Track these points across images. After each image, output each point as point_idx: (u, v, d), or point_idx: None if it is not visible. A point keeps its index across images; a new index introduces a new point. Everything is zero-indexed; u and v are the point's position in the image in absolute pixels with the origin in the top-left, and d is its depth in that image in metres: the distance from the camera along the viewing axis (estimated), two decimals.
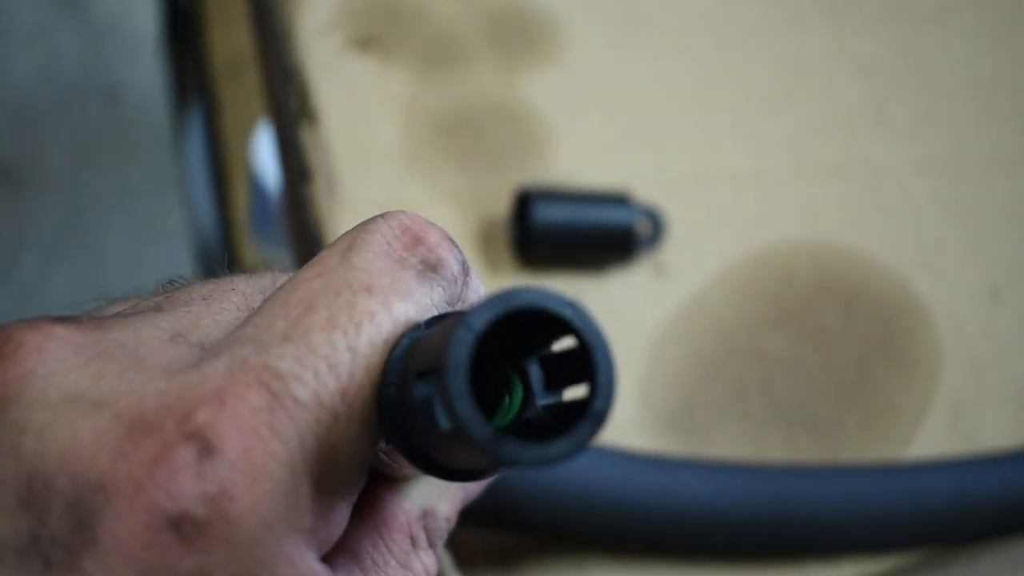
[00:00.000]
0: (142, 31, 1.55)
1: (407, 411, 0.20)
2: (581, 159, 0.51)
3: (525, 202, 0.46)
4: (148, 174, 1.46)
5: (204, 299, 0.23)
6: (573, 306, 0.19)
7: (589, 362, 0.19)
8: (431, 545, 0.27)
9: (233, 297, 0.24)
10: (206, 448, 0.18)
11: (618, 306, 0.48)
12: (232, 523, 0.18)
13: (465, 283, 0.23)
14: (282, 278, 0.24)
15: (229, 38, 1.01)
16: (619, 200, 0.47)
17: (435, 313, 0.22)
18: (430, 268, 0.22)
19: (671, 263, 0.49)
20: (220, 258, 1.25)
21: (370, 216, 0.23)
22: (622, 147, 0.52)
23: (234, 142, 0.95)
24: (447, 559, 0.37)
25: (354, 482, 0.22)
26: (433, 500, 0.27)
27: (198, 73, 0.99)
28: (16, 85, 1.49)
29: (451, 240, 0.23)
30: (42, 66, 1.52)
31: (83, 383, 0.19)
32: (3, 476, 0.19)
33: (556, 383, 0.22)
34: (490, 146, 0.50)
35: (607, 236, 0.47)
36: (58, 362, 0.19)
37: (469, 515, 0.34)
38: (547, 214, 0.46)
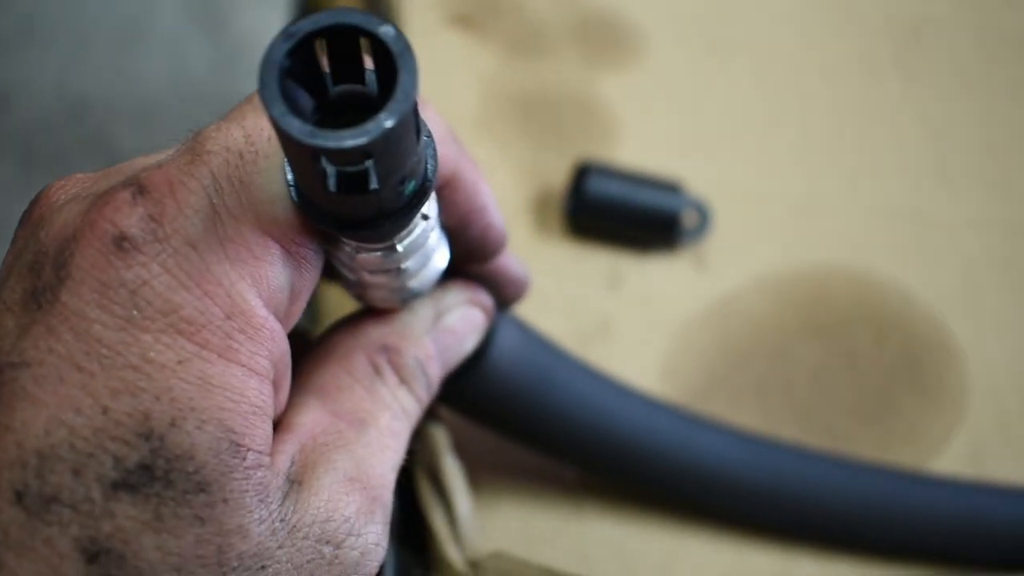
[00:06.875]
0: None
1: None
2: (642, 155, 0.54)
3: (582, 174, 0.49)
4: None
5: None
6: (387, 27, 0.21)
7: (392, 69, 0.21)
8: (402, 382, 0.30)
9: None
10: (140, 189, 0.24)
11: (655, 288, 0.50)
12: (161, 241, 0.24)
13: None
14: None
15: None
16: (671, 187, 0.50)
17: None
18: None
19: (712, 259, 0.52)
20: None
21: None
22: (683, 152, 0.55)
23: None
24: (444, 438, 0.38)
25: (276, 224, 0.25)
26: (392, 339, 0.30)
27: None
28: (147, 86, 1.61)
29: None
30: (173, 70, 1.64)
31: (82, 188, 0.26)
32: (24, 257, 0.25)
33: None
34: (559, 127, 0.54)
35: (653, 218, 0.49)
36: (71, 183, 0.26)
37: (465, 397, 0.36)
38: (601, 187, 0.49)
